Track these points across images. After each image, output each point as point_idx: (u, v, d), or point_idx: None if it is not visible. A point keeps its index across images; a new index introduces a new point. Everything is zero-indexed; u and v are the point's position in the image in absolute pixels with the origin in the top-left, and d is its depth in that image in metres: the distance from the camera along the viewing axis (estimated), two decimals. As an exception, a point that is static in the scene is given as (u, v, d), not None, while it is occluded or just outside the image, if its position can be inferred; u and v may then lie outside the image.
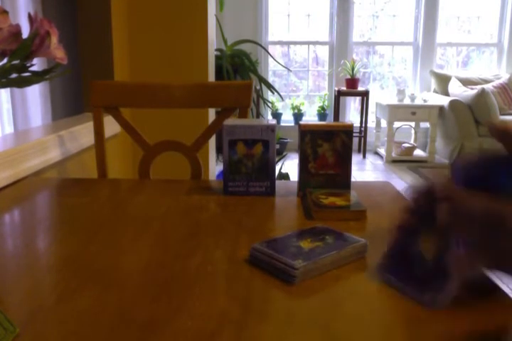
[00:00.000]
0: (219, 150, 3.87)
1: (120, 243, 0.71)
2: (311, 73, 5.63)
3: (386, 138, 4.84)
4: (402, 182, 4.08)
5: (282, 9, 5.42)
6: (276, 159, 1.96)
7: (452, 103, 4.61)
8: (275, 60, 4.91)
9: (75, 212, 0.86)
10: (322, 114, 5.52)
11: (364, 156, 5.10)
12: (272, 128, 0.94)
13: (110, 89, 1.35)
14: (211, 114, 2.08)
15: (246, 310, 0.52)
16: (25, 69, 0.61)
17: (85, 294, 0.55)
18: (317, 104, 5.57)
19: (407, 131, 5.15)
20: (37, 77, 0.62)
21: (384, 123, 5.07)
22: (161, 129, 1.98)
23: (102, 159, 1.34)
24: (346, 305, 0.53)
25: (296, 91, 5.65)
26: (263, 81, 4.11)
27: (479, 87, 4.62)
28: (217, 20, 4.42)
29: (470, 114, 4.55)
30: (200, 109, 1.96)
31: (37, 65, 0.65)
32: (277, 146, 4.90)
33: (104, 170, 1.34)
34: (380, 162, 4.92)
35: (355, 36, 5.45)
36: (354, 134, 4.97)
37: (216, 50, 4.32)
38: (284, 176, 2.82)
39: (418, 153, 4.95)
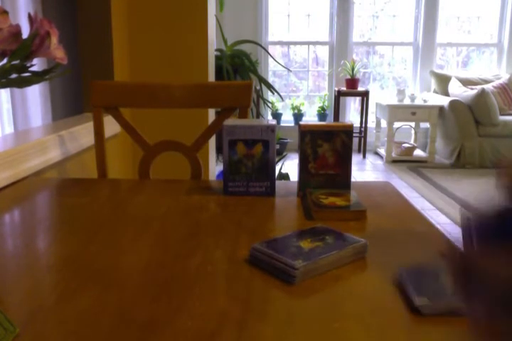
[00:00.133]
0: (219, 150, 3.87)
1: (120, 243, 0.71)
2: (311, 73, 5.63)
3: (386, 139, 4.84)
4: (402, 183, 4.08)
5: (282, 9, 5.42)
6: (276, 159, 1.96)
7: (452, 103, 4.61)
8: (275, 60, 4.91)
9: (75, 212, 0.86)
10: (322, 114, 5.52)
11: (364, 156, 5.10)
12: (272, 129, 0.94)
13: (110, 89, 1.35)
14: (211, 114, 2.08)
15: (246, 310, 0.52)
16: (25, 69, 0.61)
17: (85, 294, 0.55)
18: (317, 105, 5.57)
19: (407, 131, 5.15)
20: (37, 77, 0.62)
21: (384, 124, 5.07)
22: (161, 129, 1.98)
23: (102, 159, 1.34)
24: (346, 305, 0.53)
25: (296, 92, 5.65)
26: (263, 81, 4.11)
27: (479, 87, 4.62)
28: (217, 20, 4.42)
29: (470, 114, 4.55)
30: (200, 109, 1.96)
31: (37, 65, 0.65)
32: (277, 146, 4.90)
33: (104, 170, 1.34)
34: (380, 162, 4.92)
35: (355, 36, 5.44)
36: (354, 134, 4.98)
37: (216, 50, 4.32)
38: (284, 176, 2.82)
39: (418, 153, 4.95)
